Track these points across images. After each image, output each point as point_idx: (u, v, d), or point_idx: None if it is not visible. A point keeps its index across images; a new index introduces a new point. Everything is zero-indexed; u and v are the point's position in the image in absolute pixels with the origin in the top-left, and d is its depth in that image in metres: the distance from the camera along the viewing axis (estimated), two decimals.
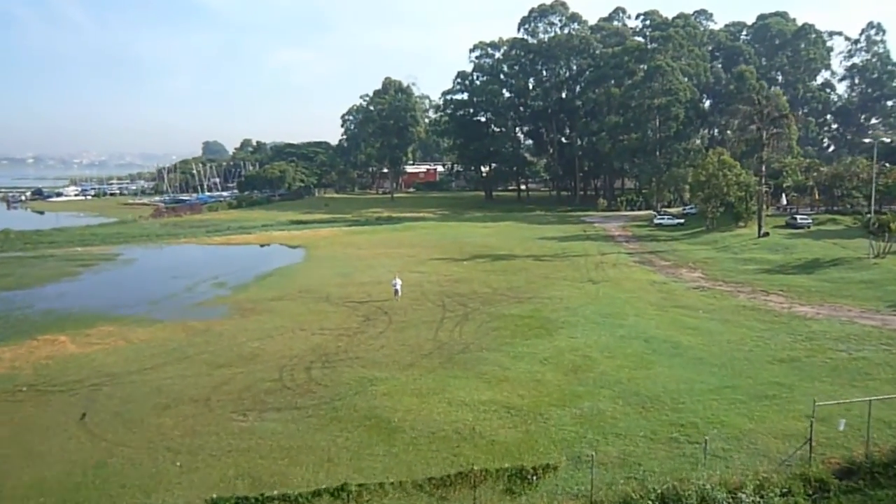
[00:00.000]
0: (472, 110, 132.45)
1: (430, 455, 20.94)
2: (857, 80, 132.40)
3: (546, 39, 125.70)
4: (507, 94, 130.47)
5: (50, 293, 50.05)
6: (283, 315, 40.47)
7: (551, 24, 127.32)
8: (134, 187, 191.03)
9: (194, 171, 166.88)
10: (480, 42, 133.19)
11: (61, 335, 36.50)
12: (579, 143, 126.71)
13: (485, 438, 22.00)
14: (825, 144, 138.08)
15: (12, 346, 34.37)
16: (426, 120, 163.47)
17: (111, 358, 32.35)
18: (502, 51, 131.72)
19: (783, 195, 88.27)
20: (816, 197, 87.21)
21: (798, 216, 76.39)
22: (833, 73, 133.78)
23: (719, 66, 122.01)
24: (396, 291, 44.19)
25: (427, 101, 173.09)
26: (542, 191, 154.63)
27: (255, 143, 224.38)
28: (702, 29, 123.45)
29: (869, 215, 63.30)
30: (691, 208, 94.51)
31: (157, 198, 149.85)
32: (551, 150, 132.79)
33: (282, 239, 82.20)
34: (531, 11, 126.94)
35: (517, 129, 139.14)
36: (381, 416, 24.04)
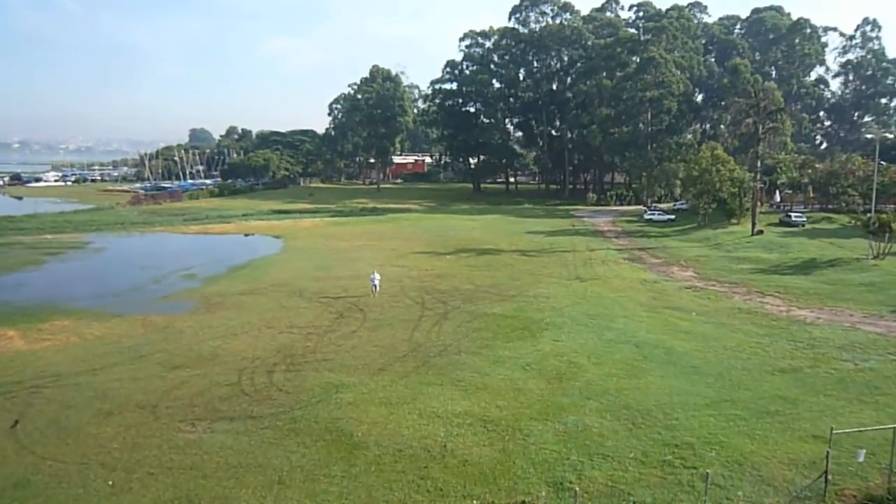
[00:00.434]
0: (461, 100, 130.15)
1: (393, 477, 18.56)
2: (851, 77, 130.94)
3: (537, 29, 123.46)
4: (496, 85, 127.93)
5: (8, 283, 47.33)
6: (252, 311, 38.01)
7: (543, 13, 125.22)
8: (116, 174, 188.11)
9: (177, 158, 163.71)
10: (471, 31, 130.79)
11: (10, 330, 33.85)
12: (569, 135, 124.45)
13: (456, 458, 19.63)
14: (818, 141, 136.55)
15: None
16: (415, 110, 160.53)
17: (60, 356, 29.81)
18: (493, 40, 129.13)
19: (777, 192, 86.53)
20: (811, 194, 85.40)
21: (792, 214, 74.30)
22: (827, 70, 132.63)
23: (712, 59, 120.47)
24: (375, 287, 41.79)
25: (416, 91, 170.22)
26: (530, 184, 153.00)
27: (240, 131, 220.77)
28: (696, 21, 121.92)
29: (869, 214, 61.43)
30: (682, 204, 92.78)
31: (137, 185, 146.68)
32: (541, 143, 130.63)
33: (261, 229, 79.81)
34: (522, 1, 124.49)
35: (507, 120, 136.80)
36: (343, 429, 21.65)
